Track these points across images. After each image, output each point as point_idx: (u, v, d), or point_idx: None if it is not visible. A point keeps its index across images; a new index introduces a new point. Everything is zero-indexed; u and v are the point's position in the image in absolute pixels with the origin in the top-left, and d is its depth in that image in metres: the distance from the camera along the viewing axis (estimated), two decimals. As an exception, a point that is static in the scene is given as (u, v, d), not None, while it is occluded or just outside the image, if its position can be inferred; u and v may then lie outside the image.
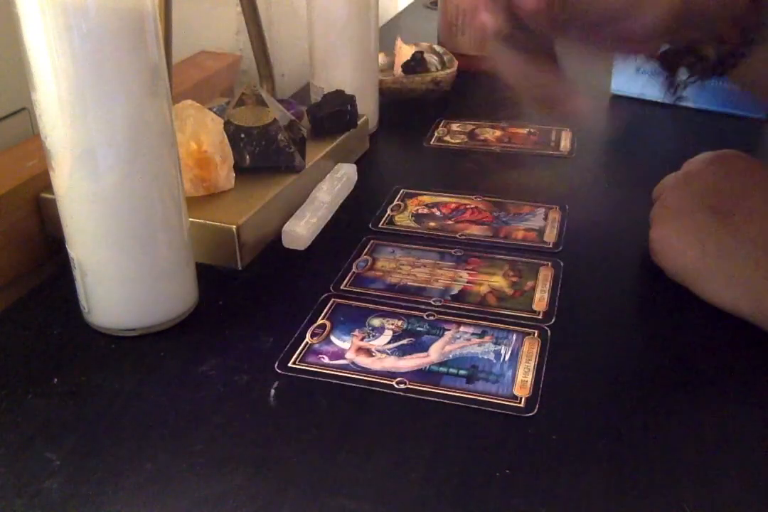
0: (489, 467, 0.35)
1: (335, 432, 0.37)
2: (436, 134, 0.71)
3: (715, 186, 0.47)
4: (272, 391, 0.39)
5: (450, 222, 0.56)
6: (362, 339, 0.43)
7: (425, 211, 0.57)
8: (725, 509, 0.33)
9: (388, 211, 0.57)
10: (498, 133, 0.71)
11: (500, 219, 0.56)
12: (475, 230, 0.55)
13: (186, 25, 0.71)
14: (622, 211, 0.57)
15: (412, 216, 0.56)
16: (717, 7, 0.42)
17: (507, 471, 0.35)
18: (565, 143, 0.69)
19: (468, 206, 0.58)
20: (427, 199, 0.59)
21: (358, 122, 0.63)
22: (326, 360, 0.42)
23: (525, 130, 0.71)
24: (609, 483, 0.34)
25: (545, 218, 0.56)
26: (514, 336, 0.44)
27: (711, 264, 0.45)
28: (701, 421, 0.38)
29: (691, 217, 0.47)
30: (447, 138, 0.70)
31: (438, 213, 0.57)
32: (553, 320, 0.45)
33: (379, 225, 0.55)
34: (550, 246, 0.53)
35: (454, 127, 0.72)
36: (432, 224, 0.55)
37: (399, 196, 0.59)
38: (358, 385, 0.40)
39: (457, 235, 0.54)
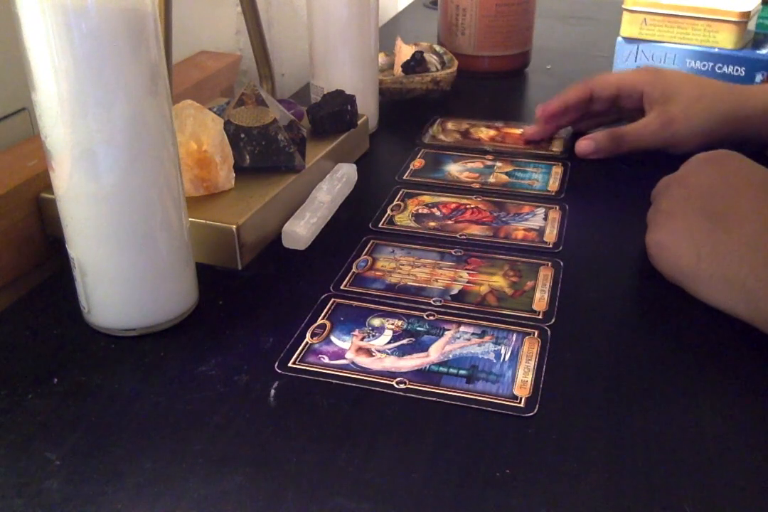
0: (489, 467, 0.35)
1: (335, 432, 0.37)
2: (430, 132, 0.71)
3: (708, 188, 0.47)
4: (272, 391, 0.39)
5: (450, 222, 0.56)
6: (362, 339, 0.43)
7: (425, 210, 0.57)
8: (725, 509, 0.33)
9: (388, 211, 0.57)
10: (492, 132, 0.71)
11: (500, 219, 0.56)
12: (475, 230, 0.55)
13: (186, 25, 0.71)
14: (622, 212, 0.57)
15: (412, 216, 0.56)
16: (756, 133, 0.61)
17: (507, 471, 0.35)
18: (558, 143, 0.69)
19: (468, 206, 0.58)
20: (427, 198, 0.59)
21: (358, 122, 0.63)
22: (326, 360, 0.42)
23: (519, 130, 0.71)
24: (609, 483, 0.34)
25: (545, 218, 0.56)
26: (514, 336, 0.44)
27: (706, 268, 0.45)
28: (701, 421, 0.38)
29: (685, 220, 0.47)
30: (441, 136, 0.70)
31: (438, 213, 0.57)
32: (553, 320, 0.45)
33: (379, 225, 0.55)
34: (550, 246, 0.53)
35: (449, 125, 0.72)
36: (432, 224, 0.55)
37: (399, 195, 0.59)
38: (358, 385, 0.40)
39: (457, 235, 0.54)
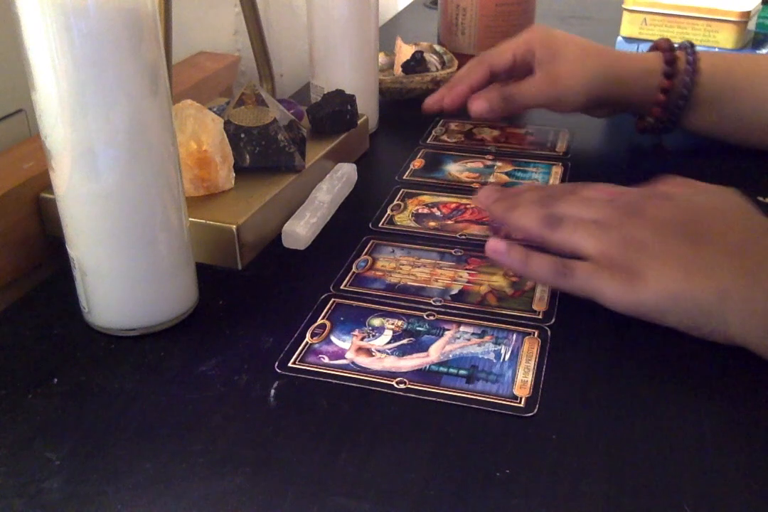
0: (489, 467, 0.35)
1: (335, 432, 0.37)
2: (433, 133, 0.71)
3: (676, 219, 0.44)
4: (272, 391, 0.39)
5: (450, 222, 0.56)
6: (362, 339, 0.43)
7: (425, 210, 0.57)
8: (725, 509, 0.33)
9: (388, 211, 0.57)
10: (496, 133, 0.71)
11: (500, 219, 0.56)
12: (475, 230, 0.55)
13: (184, 26, 0.71)
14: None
15: (412, 216, 0.56)
16: (629, 95, 0.65)
17: (507, 471, 0.35)
18: (561, 144, 0.69)
19: (468, 206, 0.58)
20: (427, 198, 0.59)
21: (358, 122, 0.63)
22: (326, 360, 0.42)
23: (522, 131, 0.71)
24: (609, 483, 0.34)
25: (545, 218, 0.56)
26: (514, 336, 0.44)
27: (698, 282, 0.41)
28: (701, 421, 0.38)
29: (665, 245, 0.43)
30: (444, 137, 0.70)
31: (438, 213, 0.57)
32: (553, 320, 0.45)
33: (379, 225, 0.55)
34: (550, 246, 0.53)
35: (453, 126, 0.72)
36: (432, 224, 0.55)
37: (399, 195, 0.59)
38: (358, 385, 0.40)
39: (457, 235, 0.54)
